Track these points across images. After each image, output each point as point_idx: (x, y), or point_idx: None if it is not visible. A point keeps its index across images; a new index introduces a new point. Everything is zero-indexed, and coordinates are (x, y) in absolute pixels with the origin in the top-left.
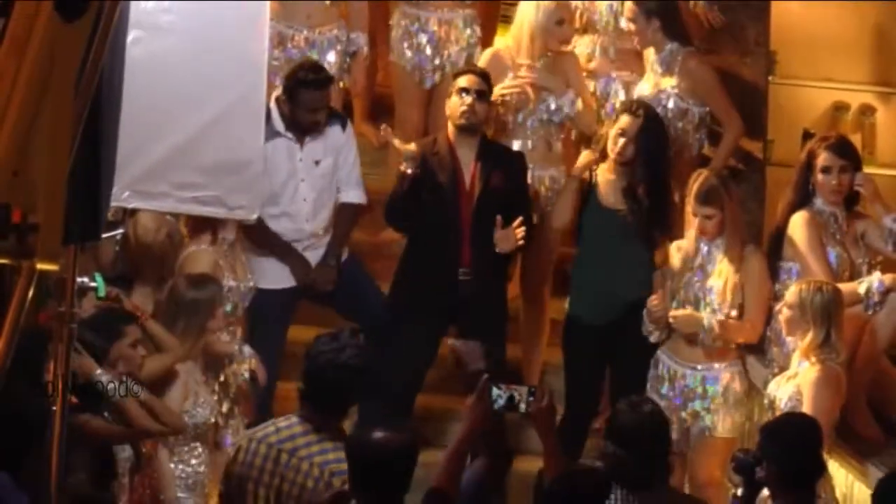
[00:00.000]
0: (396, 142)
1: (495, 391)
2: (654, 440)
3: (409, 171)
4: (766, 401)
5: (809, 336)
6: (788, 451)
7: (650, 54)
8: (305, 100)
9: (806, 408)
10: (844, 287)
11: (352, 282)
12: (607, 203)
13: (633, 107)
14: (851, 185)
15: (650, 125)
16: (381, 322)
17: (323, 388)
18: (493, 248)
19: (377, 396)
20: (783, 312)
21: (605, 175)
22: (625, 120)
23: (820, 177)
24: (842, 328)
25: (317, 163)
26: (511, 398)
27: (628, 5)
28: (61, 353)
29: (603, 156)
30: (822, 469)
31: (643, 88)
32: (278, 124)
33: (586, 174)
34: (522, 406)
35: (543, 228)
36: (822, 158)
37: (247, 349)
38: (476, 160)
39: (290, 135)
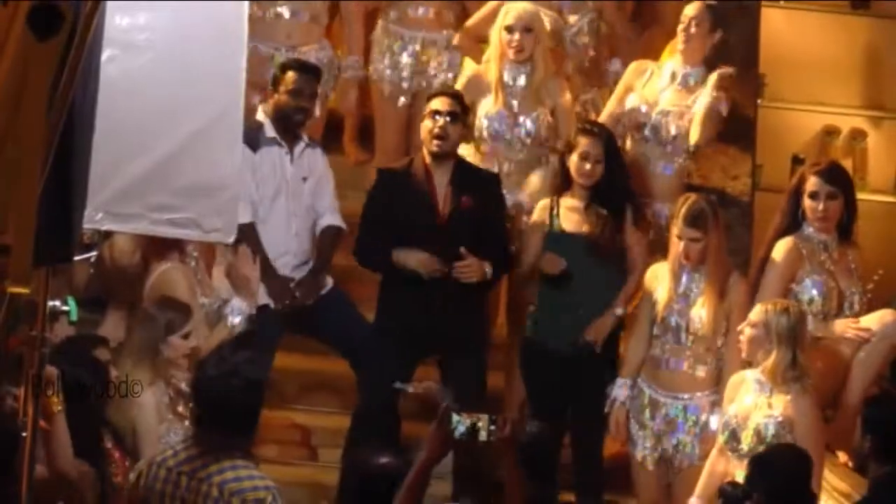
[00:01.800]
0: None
1: (455, 418)
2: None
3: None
4: (724, 423)
5: (773, 357)
6: (779, 482)
7: (670, 65)
8: (288, 81)
9: (806, 435)
10: None
11: (335, 311)
12: (570, 228)
13: (589, 127)
14: (841, 214)
15: (611, 144)
16: (363, 351)
17: (226, 410)
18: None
19: (360, 420)
20: (745, 332)
21: (567, 201)
22: (585, 142)
23: (807, 202)
24: (806, 350)
25: (304, 179)
26: (472, 426)
27: (698, 5)
28: (32, 377)
29: (567, 182)
30: (813, 500)
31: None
32: (270, 130)
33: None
34: (483, 434)
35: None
36: (811, 183)
37: None
38: (449, 184)
39: (283, 143)
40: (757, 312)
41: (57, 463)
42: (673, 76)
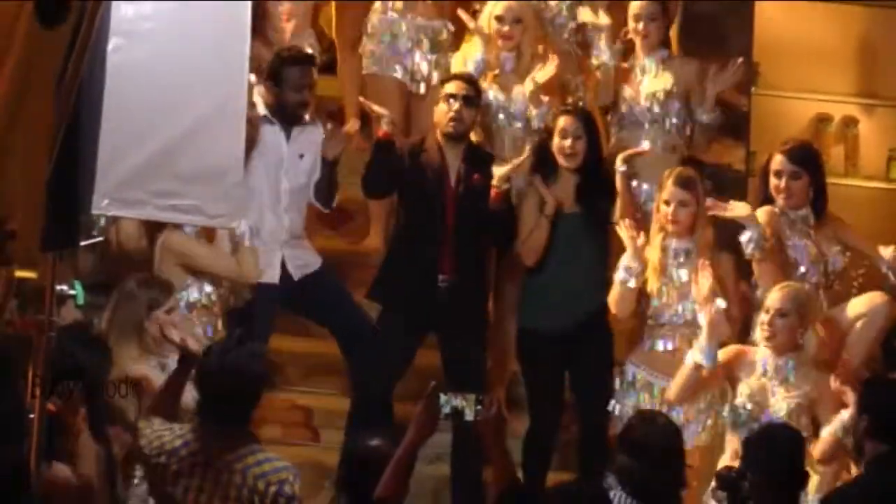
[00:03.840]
0: (375, 106)
1: (442, 398)
2: (668, 452)
3: (386, 127)
4: (735, 405)
5: (806, 339)
6: (774, 462)
7: (639, 57)
8: (290, 77)
9: (827, 413)
10: None
11: (326, 291)
12: (563, 207)
13: (564, 107)
14: (807, 193)
15: (588, 121)
16: (356, 330)
17: (232, 401)
18: (474, 255)
19: (359, 399)
20: (777, 323)
21: (555, 182)
22: (563, 120)
23: (772, 179)
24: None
25: (301, 156)
26: (458, 406)
27: (642, 3)
28: (40, 361)
29: (553, 167)
30: (806, 478)
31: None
32: (262, 109)
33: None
34: (469, 414)
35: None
36: (776, 161)
37: None
38: (462, 163)
39: (275, 121)
40: (781, 299)
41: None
42: (641, 71)
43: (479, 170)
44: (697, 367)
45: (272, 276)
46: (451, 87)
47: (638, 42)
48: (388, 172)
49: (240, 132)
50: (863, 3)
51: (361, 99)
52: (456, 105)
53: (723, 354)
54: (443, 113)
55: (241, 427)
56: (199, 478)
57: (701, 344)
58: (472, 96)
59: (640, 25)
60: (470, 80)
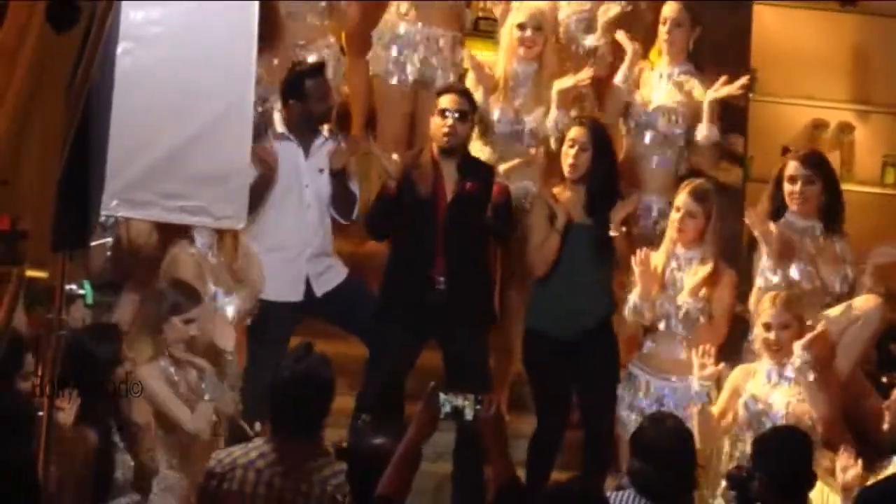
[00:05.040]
0: (378, 150)
1: (442, 398)
2: (678, 454)
3: (392, 185)
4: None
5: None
6: (782, 463)
7: (659, 69)
8: (312, 89)
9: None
10: None
11: (351, 298)
12: (572, 219)
13: (579, 118)
14: (820, 200)
15: (599, 135)
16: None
17: (306, 410)
18: (469, 257)
19: (366, 402)
20: (781, 335)
21: (563, 194)
22: (574, 131)
23: (786, 186)
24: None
25: (321, 171)
26: (457, 406)
27: (674, 6)
28: (49, 359)
29: (560, 176)
30: (813, 479)
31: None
32: (280, 127)
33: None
34: (469, 414)
35: (523, 242)
36: (790, 168)
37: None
38: (456, 173)
39: (293, 137)
40: (779, 313)
41: None
42: (660, 76)
43: (475, 179)
44: (702, 409)
45: (297, 293)
46: (445, 102)
47: (664, 49)
48: (388, 221)
49: (246, 135)
50: (857, 12)
51: (371, 144)
52: (450, 120)
53: (730, 381)
54: (437, 127)
55: (317, 436)
56: (278, 489)
57: (693, 378)
58: (466, 110)
59: (666, 30)
60: (464, 93)
